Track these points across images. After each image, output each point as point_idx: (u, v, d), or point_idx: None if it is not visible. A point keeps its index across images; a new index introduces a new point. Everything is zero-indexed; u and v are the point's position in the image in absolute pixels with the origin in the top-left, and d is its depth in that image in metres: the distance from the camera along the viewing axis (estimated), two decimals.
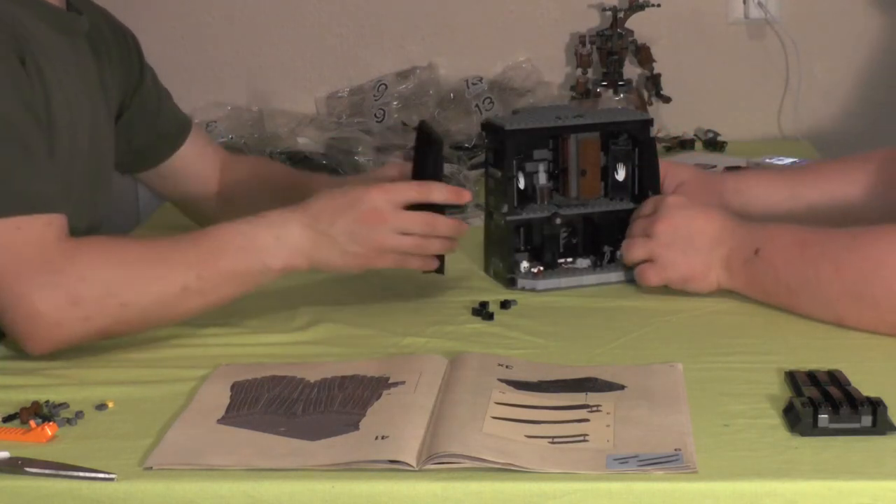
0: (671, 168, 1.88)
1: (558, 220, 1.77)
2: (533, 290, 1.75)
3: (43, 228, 1.50)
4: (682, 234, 1.69)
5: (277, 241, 1.59)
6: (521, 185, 1.78)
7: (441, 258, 1.68)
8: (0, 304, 1.49)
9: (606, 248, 1.79)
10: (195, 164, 1.98)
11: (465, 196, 1.68)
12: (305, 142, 2.53)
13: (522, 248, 1.79)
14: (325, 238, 1.60)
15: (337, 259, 1.62)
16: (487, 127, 1.80)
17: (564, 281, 1.77)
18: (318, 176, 2.06)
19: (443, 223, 1.65)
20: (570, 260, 1.80)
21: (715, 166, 2.43)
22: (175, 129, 1.96)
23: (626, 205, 1.80)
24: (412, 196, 1.63)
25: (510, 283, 1.76)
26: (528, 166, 1.78)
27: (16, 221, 1.49)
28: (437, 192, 1.65)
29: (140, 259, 1.54)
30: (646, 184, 1.81)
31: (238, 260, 1.58)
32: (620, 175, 1.81)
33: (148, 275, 1.54)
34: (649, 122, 1.82)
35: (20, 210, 1.49)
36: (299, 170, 2.25)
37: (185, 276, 1.54)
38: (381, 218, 1.61)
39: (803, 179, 1.89)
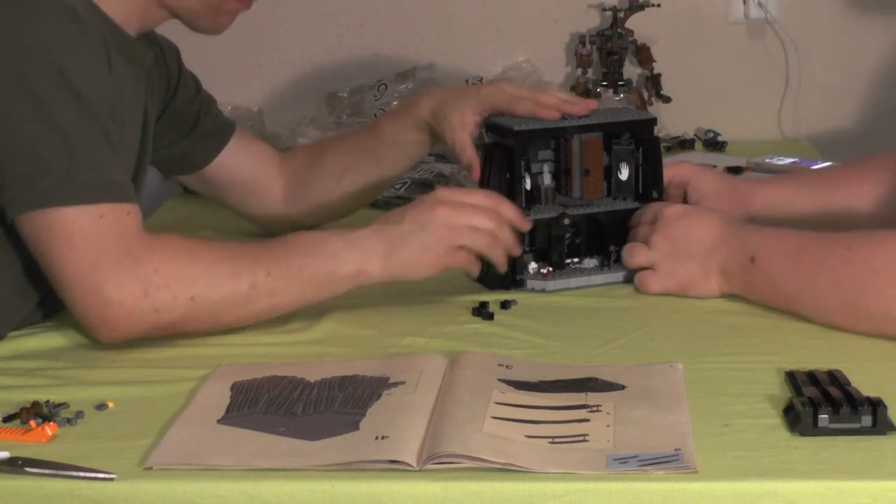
0: (696, 177, 1.87)
1: (566, 221, 1.77)
2: (543, 290, 1.75)
3: (124, 218, 1.52)
4: (679, 244, 1.70)
5: (348, 245, 1.61)
6: (528, 185, 1.77)
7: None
8: (76, 290, 1.51)
9: (613, 248, 1.79)
10: (240, 164, 1.98)
11: (527, 224, 1.71)
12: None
13: (528, 248, 1.78)
14: (396, 236, 1.62)
15: (410, 258, 1.62)
16: (493, 127, 1.79)
17: (573, 281, 1.77)
18: (380, 119, 2.04)
19: (506, 230, 1.67)
20: (576, 260, 1.80)
21: (715, 166, 2.42)
22: (216, 132, 1.97)
23: (630, 204, 1.80)
24: (479, 200, 1.66)
25: (517, 284, 1.75)
26: (533, 167, 1.78)
27: (99, 209, 1.50)
28: (507, 209, 1.68)
29: (212, 256, 1.56)
30: (649, 183, 1.81)
31: (308, 261, 1.59)
32: (624, 175, 1.81)
33: (219, 271, 1.55)
34: (653, 122, 1.82)
35: (104, 198, 1.51)
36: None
37: (254, 273, 1.56)
38: (448, 209, 1.63)
39: (833, 190, 1.86)
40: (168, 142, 1.92)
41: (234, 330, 1.62)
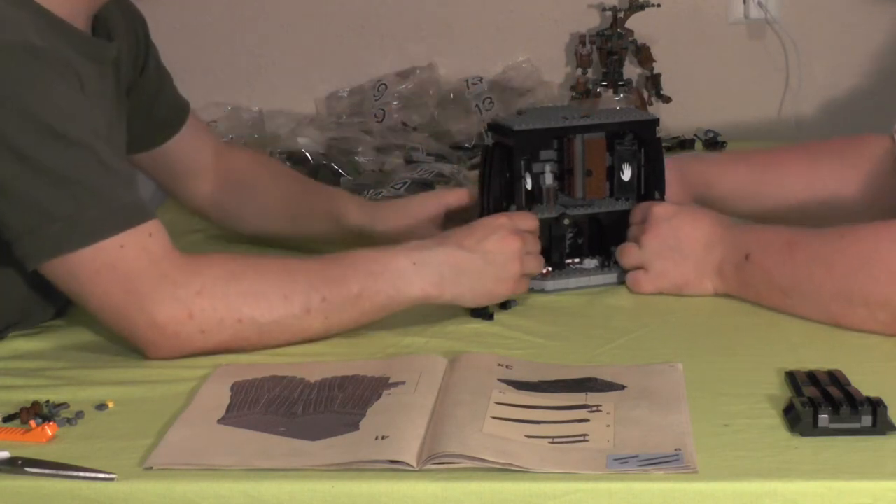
0: None
1: (566, 221, 1.77)
2: (542, 290, 1.75)
3: (147, 241, 1.49)
4: (670, 244, 1.70)
5: (416, 267, 1.57)
6: (528, 185, 1.77)
7: None
8: (120, 320, 1.50)
9: (613, 248, 1.79)
10: (189, 151, 1.95)
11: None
12: (305, 142, 2.53)
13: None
14: (473, 267, 1.59)
15: (484, 288, 1.61)
16: (494, 127, 1.79)
17: (573, 281, 1.77)
18: (334, 189, 2.05)
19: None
20: (577, 260, 1.80)
21: None
22: (172, 115, 1.93)
23: (632, 205, 1.80)
24: (532, 225, 1.67)
25: None
26: (535, 167, 1.78)
27: (117, 240, 1.47)
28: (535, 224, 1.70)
29: (260, 276, 1.52)
30: (651, 184, 1.81)
31: (368, 284, 1.55)
32: (626, 175, 1.81)
33: (267, 293, 1.51)
34: (655, 122, 1.82)
35: (117, 228, 1.48)
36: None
37: (308, 296, 1.52)
38: (519, 241, 1.62)
39: (768, 178, 1.90)
40: (131, 117, 1.85)
41: None
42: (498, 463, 1.22)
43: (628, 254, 1.74)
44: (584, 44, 2.82)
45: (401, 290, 1.56)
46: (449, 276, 1.58)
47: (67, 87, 1.52)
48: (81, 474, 1.23)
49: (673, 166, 1.87)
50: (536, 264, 1.67)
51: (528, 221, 1.68)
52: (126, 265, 1.48)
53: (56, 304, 1.65)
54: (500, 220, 1.64)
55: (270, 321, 1.52)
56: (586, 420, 1.32)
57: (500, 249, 1.61)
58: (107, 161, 1.51)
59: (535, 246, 1.67)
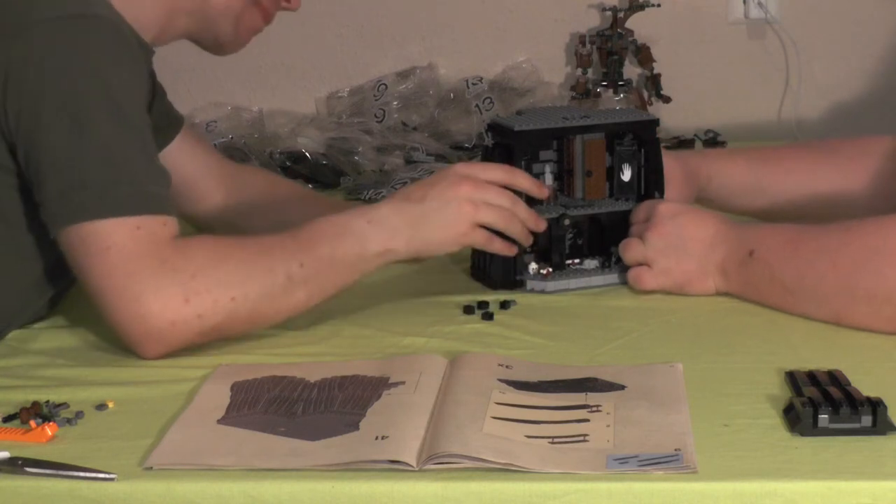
0: None
1: (567, 222, 1.77)
2: (542, 291, 1.75)
3: (159, 229, 1.51)
4: (674, 242, 1.70)
5: (371, 225, 1.60)
6: None
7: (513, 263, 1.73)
8: (115, 305, 1.50)
9: (613, 249, 1.79)
10: (183, 163, 1.94)
11: (544, 192, 1.73)
12: (305, 142, 2.53)
13: (529, 249, 1.78)
14: (419, 214, 1.62)
15: (433, 235, 1.62)
16: (494, 128, 1.79)
17: (573, 282, 1.77)
18: (331, 198, 2.04)
19: (523, 206, 1.69)
20: (577, 261, 1.80)
21: None
22: (165, 126, 1.94)
23: (632, 205, 1.80)
24: (497, 176, 1.67)
25: (518, 284, 1.75)
26: (535, 167, 1.78)
27: (136, 221, 1.50)
28: (522, 179, 1.69)
29: (245, 254, 1.55)
30: (651, 184, 1.81)
31: (335, 246, 1.58)
32: (626, 176, 1.81)
33: (254, 268, 1.54)
34: (655, 123, 1.82)
35: (141, 210, 1.50)
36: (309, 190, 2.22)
37: (287, 265, 1.55)
38: (470, 186, 1.63)
39: (767, 171, 1.91)
40: None
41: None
42: (498, 463, 1.22)
43: (632, 248, 1.74)
44: (584, 44, 2.82)
45: (363, 247, 1.60)
46: (401, 228, 1.61)
47: (138, 69, 1.57)
48: (81, 474, 1.23)
49: (674, 159, 1.88)
50: (495, 216, 1.65)
51: (493, 172, 1.67)
52: (135, 247, 1.49)
53: (50, 293, 1.65)
54: (455, 168, 1.67)
55: (260, 295, 1.53)
56: (586, 420, 1.32)
57: (444, 196, 1.62)
58: (149, 151, 1.55)
59: (499, 198, 1.66)
